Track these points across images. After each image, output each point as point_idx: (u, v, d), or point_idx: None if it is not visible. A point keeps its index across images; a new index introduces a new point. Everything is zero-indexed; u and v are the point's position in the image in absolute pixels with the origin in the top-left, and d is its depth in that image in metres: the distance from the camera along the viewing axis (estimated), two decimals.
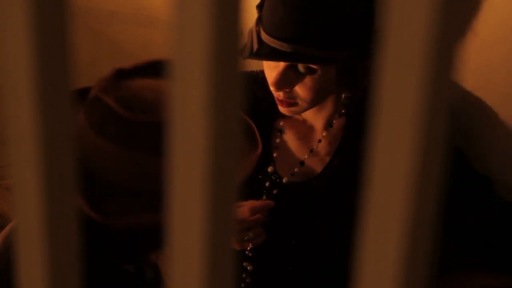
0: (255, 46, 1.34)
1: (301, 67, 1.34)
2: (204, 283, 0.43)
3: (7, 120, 0.44)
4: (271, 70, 1.37)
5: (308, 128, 1.49)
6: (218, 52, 0.39)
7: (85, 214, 1.00)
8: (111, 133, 0.99)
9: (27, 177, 0.44)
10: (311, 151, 1.48)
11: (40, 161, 0.43)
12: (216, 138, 0.40)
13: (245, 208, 1.40)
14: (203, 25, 0.38)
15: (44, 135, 0.43)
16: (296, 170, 1.49)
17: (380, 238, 0.41)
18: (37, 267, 0.46)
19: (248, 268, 1.51)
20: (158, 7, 2.29)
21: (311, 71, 1.34)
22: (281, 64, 1.35)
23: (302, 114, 1.47)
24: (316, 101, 1.39)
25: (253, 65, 1.50)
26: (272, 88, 1.39)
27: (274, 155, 1.50)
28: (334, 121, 1.47)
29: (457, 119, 1.61)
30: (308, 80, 1.35)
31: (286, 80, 1.36)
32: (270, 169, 1.49)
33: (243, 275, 1.52)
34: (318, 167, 1.48)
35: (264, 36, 1.33)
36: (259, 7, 1.37)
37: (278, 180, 1.49)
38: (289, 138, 1.50)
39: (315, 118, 1.48)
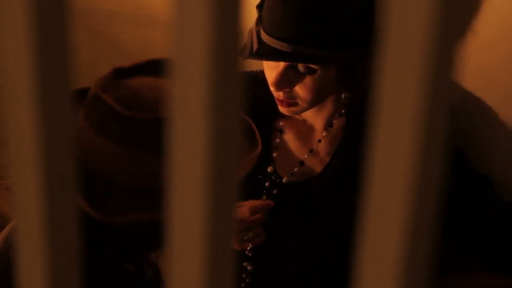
0: (255, 46, 1.34)
1: (301, 67, 1.34)
2: (204, 283, 0.43)
3: (7, 120, 0.44)
4: (271, 70, 1.37)
5: (308, 128, 1.49)
6: (218, 52, 0.39)
7: (85, 214, 1.00)
8: (111, 132, 0.99)
9: (27, 177, 0.44)
10: (311, 151, 1.48)
11: (40, 161, 0.43)
12: (216, 138, 0.40)
13: (245, 208, 1.40)
14: (203, 25, 0.38)
15: (44, 135, 0.43)
16: (296, 170, 1.49)
17: (380, 238, 0.41)
18: (37, 267, 0.46)
19: (248, 268, 1.51)
20: (158, 7, 2.29)
21: (311, 71, 1.34)
22: (281, 64, 1.35)
23: (302, 114, 1.47)
24: (316, 101, 1.39)
25: (253, 65, 1.50)
26: (272, 88, 1.39)
27: (274, 155, 1.50)
28: (334, 121, 1.47)
29: (457, 119, 1.61)
30: (308, 80, 1.35)
31: (286, 80, 1.36)
32: (270, 169, 1.49)
33: (243, 275, 1.52)
34: (318, 167, 1.48)
35: (264, 36, 1.33)
36: (259, 7, 1.36)
37: (278, 180, 1.49)
38: (289, 138, 1.50)
39: (315, 118, 1.48)
